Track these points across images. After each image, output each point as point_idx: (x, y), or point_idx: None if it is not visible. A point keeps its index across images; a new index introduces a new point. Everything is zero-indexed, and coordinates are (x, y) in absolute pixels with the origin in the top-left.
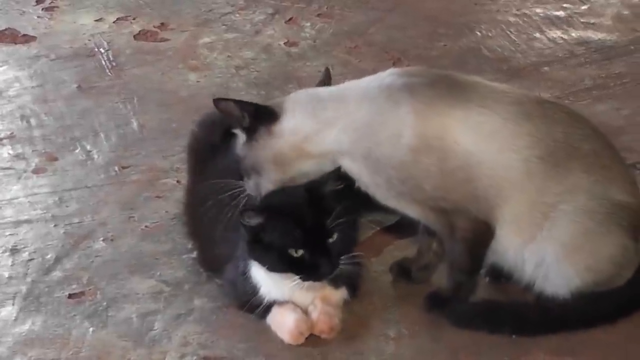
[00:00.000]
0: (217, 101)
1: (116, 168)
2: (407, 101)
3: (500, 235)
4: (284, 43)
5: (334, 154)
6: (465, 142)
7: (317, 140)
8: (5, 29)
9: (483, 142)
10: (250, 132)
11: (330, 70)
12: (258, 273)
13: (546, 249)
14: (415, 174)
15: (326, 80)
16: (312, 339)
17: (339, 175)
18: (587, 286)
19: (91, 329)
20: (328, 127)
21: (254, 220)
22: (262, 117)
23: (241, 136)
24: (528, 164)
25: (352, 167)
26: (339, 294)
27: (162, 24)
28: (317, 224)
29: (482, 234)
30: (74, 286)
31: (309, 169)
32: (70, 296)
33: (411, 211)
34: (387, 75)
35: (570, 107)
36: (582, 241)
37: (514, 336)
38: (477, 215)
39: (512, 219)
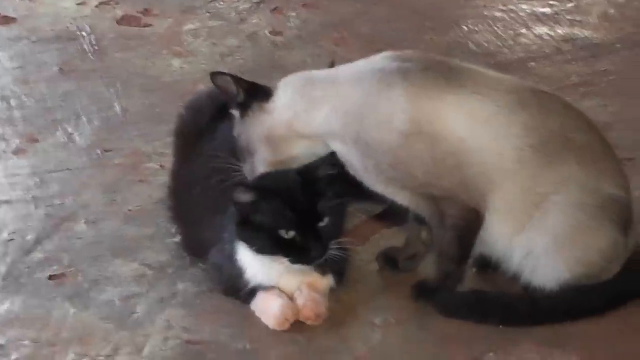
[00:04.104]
0: (213, 74)
1: (98, 151)
2: (400, 85)
3: (490, 223)
4: (269, 32)
5: (325, 137)
6: (457, 128)
7: (307, 119)
8: None
9: (475, 129)
10: (244, 108)
11: (334, 62)
12: (245, 256)
13: (535, 239)
14: (405, 159)
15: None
16: (297, 325)
17: (334, 161)
18: (576, 279)
19: (72, 311)
20: (317, 106)
21: (245, 197)
22: (256, 93)
23: (237, 115)
24: (520, 153)
25: (342, 150)
26: (326, 281)
27: (146, 9)
28: (309, 206)
29: (471, 222)
30: (54, 267)
31: (300, 151)
32: (50, 277)
33: (400, 197)
34: (380, 59)
35: (565, 98)
36: (572, 233)
37: (501, 326)
38: (467, 203)
39: (502, 207)
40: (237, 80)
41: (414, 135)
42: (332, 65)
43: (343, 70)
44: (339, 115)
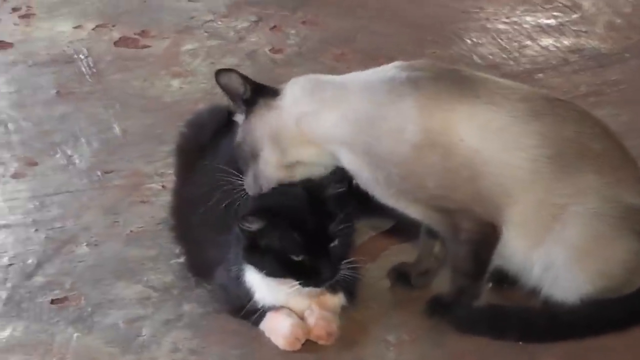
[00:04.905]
0: (219, 72)
1: (99, 173)
2: (411, 95)
3: (508, 237)
4: (269, 50)
5: (334, 143)
6: (470, 139)
7: (316, 120)
8: None
9: (489, 140)
10: (250, 106)
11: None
12: (253, 278)
13: (555, 252)
14: (417, 171)
15: None
16: (308, 345)
17: (341, 178)
18: (598, 292)
19: (76, 335)
20: (327, 110)
21: (255, 226)
22: (263, 92)
23: (240, 119)
24: (536, 164)
25: (352, 161)
26: (337, 300)
27: (143, 31)
28: (319, 228)
29: (487, 236)
30: (56, 291)
31: (308, 156)
32: (52, 301)
33: (413, 211)
34: (390, 69)
35: (581, 106)
36: (593, 245)
37: (520, 343)
38: (482, 216)
39: (520, 220)
40: (243, 77)
41: (426, 146)
42: None
43: (353, 77)
44: (349, 123)
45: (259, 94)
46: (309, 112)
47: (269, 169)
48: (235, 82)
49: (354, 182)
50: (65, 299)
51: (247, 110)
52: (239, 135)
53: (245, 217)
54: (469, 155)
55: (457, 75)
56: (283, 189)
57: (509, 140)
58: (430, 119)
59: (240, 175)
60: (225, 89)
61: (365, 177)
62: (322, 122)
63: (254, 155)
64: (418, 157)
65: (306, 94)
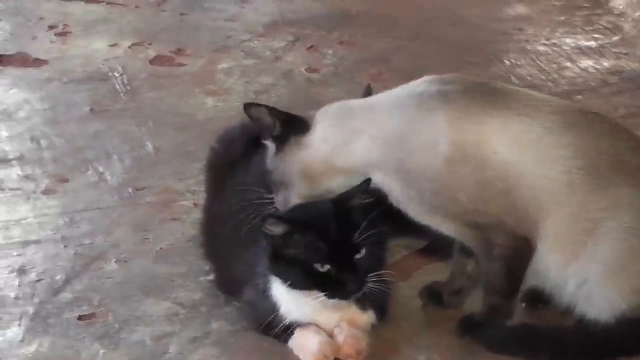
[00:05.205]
0: (248, 106)
1: (130, 190)
2: (442, 109)
3: (541, 253)
4: (305, 70)
5: (365, 169)
6: (503, 152)
7: (347, 152)
8: (16, 53)
9: (523, 152)
10: (281, 142)
11: (372, 87)
12: (279, 291)
13: (589, 268)
14: (450, 186)
15: (367, 96)
16: None
17: (367, 189)
18: (633, 310)
19: (102, 351)
20: (357, 137)
21: (277, 229)
22: (294, 127)
23: (271, 147)
24: (570, 176)
25: (384, 180)
26: (367, 317)
27: (179, 49)
28: (344, 238)
29: (521, 251)
30: (84, 308)
31: (338, 185)
32: (80, 318)
33: (446, 227)
34: (420, 84)
35: (615, 120)
36: (629, 261)
37: None
38: (515, 231)
39: (554, 235)
40: (272, 111)
41: (459, 160)
42: (369, 92)
43: (382, 97)
44: (379, 144)
45: (289, 130)
46: (340, 145)
47: (300, 200)
48: (265, 117)
49: (389, 200)
50: (92, 315)
51: (278, 146)
52: (270, 164)
53: (267, 218)
54: (502, 168)
55: (487, 88)
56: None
57: (543, 153)
58: (461, 132)
59: (271, 194)
60: (256, 122)
61: (398, 194)
62: (353, 153)
63: (285, 186)
64: (450, 171)
65: (336, 128)
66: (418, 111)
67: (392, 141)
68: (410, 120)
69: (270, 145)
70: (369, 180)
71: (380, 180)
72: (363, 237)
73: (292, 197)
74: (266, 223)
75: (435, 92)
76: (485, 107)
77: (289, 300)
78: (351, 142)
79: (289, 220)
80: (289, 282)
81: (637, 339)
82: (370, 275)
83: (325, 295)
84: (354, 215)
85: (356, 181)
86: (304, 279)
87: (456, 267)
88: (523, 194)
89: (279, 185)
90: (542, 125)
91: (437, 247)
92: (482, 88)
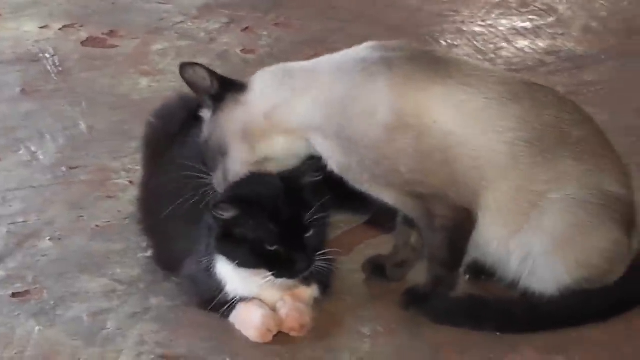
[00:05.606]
0: (183, 66)
1: (64, 169)
2: (384, 75)
3: (483, 225)
4: (241, 50)
5: (306, 131)
6: (444, 121)
7: (287, 110)
8: None
9: (464, 122)
10: (217, 102)
11: None
12: (224, 269)
13: (533, 241)
14: (390, 155)
15: None
16: (280, 337)
17: (318, 167)
18: (577, 283)
19: (37, 328)
20: (298, 97)
21: (228, 213)
22: (231, 86)
23: (207, 113)
24: (514, 148)
25: (324, 146)
26: (310, 291)
27: (111, 31)
28: (294, 218)
29: (463, 222)
30: (17, 285)
31: (279, 148)
32: (13, 295)
33: (386, 196)
34: (363, 49)
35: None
36: (572, 234)
37: (498, 333)
38: (457, 202)
39: (496, 207)
40: (210, 71)
41: (399, 128)
42: None
43: (323, 60)
44: (320, 106)
45: (226, 89)
46: (280, 102)
47: (238, 166)
48: (201, 77)
49: (329, 169)
50: (26, 292)
51: (215, 106)
52: (206, 132)
53: (218, 204)
54: (442, 138)
55: (432, 56)
56: (258, 177)
57: (486, 123)
58: (402, 100)
59: (208, 173)
60: (191, 84)
61: (338, 162)
62: (293, 111)
63: (222, 153)
64: (390, 140)
65: (275, 85)
66: (360, 76)
67: (334, 105)
68: (352, 85)
69: (207, 113)
70: (317, 159)
71: (321, 144)
72: (314, 217)
73: (231, 165)
74: (217, 208)
75: (378, 58)
76: (429, 75)
77: (234, 278)
78: (292, 99)
79: (239, 204)
80: (236, 261)
81: (580, 312)
82: (317, 253)
83: (273, 274)
84: (304, 194)
85: (298, 147)
86: (252, 258)
87: (399, 239)
88: (464, 164)
89: (216, 156)
90: (486, 95)
91: (379, 220)
92: (427, 56)
